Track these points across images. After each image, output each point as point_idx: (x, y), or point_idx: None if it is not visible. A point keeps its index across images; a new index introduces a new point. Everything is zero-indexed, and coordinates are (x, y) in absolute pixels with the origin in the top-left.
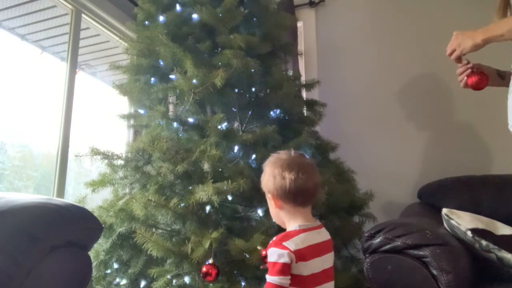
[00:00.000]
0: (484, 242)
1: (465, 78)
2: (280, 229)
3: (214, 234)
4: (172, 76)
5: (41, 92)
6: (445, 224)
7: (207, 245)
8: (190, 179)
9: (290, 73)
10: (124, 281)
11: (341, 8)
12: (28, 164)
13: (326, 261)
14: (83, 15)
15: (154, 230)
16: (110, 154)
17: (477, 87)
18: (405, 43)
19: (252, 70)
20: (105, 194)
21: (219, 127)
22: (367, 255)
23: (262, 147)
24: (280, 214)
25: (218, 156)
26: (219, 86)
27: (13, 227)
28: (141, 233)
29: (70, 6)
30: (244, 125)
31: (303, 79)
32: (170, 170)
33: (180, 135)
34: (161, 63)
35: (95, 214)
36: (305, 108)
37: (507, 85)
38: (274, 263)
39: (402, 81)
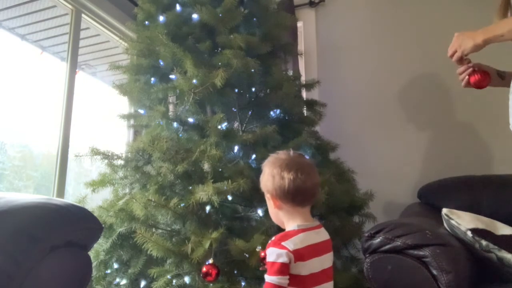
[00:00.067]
0: (484, 242)
1: (467, 77)
2: (280, 229)
3: (214, 234)
4: (172, 76)
5: (41, 92)
6: (445, 224)
7: (207, 245)
8: (190, 179)
9: (290, 73)
10: (124, 281)
11: (341, 8)
12: (28, 164)
13: (325, 261)
14: (83, 15)
15: (154, 230)
16: (110, 154)
17: (479, 85)
18: (405, 43)
19: (252, 70)
20: (105, 194)
21: (219, 127)
22: (367, 255)
23: (262, 147)
24: (279, 214)
25: (218, 156)
26: (219, 86)
27: (13, 227)
28: (141, 233)
29: (70, 6)
30: (244, 125)
31: (303, 79)
32: (170, 170)
33: (180, 135)
34: (161, 63)
35: (95, 214)
36: (305, 108)
37: (507, 85)
38: (273, 263)
39: (402, 81)
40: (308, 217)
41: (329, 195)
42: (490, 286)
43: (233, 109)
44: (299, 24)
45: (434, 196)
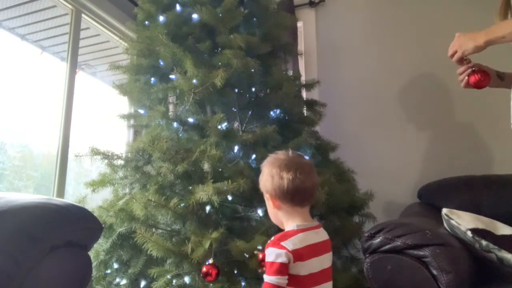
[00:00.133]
0: (484, 242)
1: (466, 78)
2: (280, 229)
3: (214, 234)
4: (172, 76)
5: (41, 92)
6: (445, 224)
7: (207, 245)
8: (190, 179)
9: (290, 73)
10: (124, 281)
11: (341, 8)
12: (28, 164)
13: (324, 261)
14: (83, 15)
15: (154, 230)
16: (110, 154)
17: (480, 85)
18: (405, 43)
19: (252, 70)
20: (105, 194)
21: (219, 127)
22: (367, 255)
23: (262, 147)
24: (278, 214)
25: (218, 156)
26: (219, 86)
27: (13, 227)
28: (141, 233)
29: (70, 6)
30: (244, 125)
31: (303, 79)
32: (170, 170)
33: (180, 135)
34: (161, 63)
35: (95, 214)
36: (305, 108)
37: (506, 86)
38: (272, 263)
39: (402, 81)
40: (307, 217)
41: (329, 195)
42: (490, 286)
43: (233, 109)
44: (299, 24)
45: (434, 196)
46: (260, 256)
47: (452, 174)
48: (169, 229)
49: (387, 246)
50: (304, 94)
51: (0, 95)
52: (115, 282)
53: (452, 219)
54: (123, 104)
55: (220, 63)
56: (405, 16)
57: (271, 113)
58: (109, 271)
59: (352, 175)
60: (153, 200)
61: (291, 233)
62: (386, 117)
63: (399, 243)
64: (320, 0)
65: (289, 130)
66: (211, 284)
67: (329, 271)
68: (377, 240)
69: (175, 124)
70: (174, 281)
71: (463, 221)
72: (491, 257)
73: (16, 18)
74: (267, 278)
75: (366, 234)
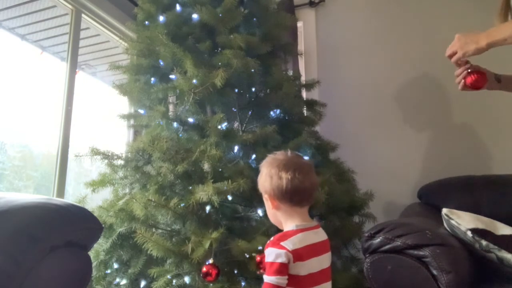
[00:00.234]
0: (484, 242)
1: (463, 81)
2: (279, 229)
3: (214, 234)
4: (172, 76)
5: (41, 92)
6: (445, 224)
7: (207, 245)
8: (190, 179)
9: (290, 73)
10: (124, 281)
11: (341, 8)
12: (28, 164)
13: (324, 261)
14: (83, 15)
15: (154, 230)
16: (110, 154)
17: (476, 86)
18: (405, 43)
19: (252, 70)
20: (105, 194)
21: (219, 127)
22: (367, 255)
23: (262, 147)
24: (277, 215)
25: (218, 156)
26: (219, 86)
27: (13, 227)
28: (141, 233)
29: (70, 6)
30: (244, 125)
31: (303, 79)
32: (170, 170)
33: (180, 135)
34: (161, 63)
35: (95, 214)
36: (305, 108)
37: (504, 89)
38: (272, 263)
39: (402, 81)
40: (306, 217)
41: (329, 195)
42: (490, 286)
43: (233, 109)
44: (299, 24)
45: (434, 196)
46: (258, 258)
47: (452, 174)
48: (169, 229)
49: (387, 246)
50: (304, 94)
51: (0, 95)
52: (115, 282)
53: (452, 219)
54: (123, 104)
55: (220, 63)
56: (405, 16)
57: (271, 113)
58: (109, 271)
59: (352, 175)
60: (153, 200)
61: (290, 233)
62: (386, 117)
63: (399, 243)
64: (320, 0)
65: (289, 130)
66: (211, 284)
67: (328, 271)
68: (377, 240)
69: (175, 124)
70: (174, 281)
71: (463, 221)
72: (491, 257)
73: (16, 18)
74: (267, 278)
75: (366, 234)
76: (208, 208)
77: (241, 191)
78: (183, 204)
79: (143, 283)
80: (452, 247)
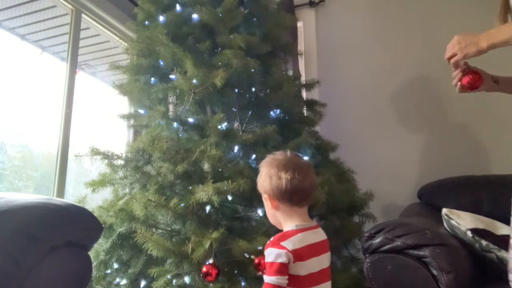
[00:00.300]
0: (484, 242)
1: (459, 83)
2: (279, 230)
3: (214, 234)
4: (172, 76)
5: (41, 92)
6: (445, 224)
7: (207, 245)
8: (190, 179)
9: (290, 73)
10: (124, 281)
11: (341, 8)
12: (28, 164)
13: (323, 261)
14: (83, 15)
15: (154, 230)
16: (110, 154)
17: (473, 85)
18: (405, 43)
19: (252, 70)
20: (105, 194)
21: (219, 127)
22: (367, 255)
23: (262, 147)
24: (277, 215)
25: (218, 156)
26: (219, 86)
27: (13, 227)
28: (141, 233)
29: (70, 6)
30: (244, 125)
31: (303, 79)
32: (170, 170)
33: (180, 135)
34: (161, 63)
35: (95, 214)
36: (305, 108)
37: (502, 90)
38: (272, 263)
39: (402, 81)
40: (305, 217)
41: (329, 195)
42: (490, 286)
43: (233, 109)
44: (299, 24)
45: (434, 196)
46: (256, 260)
47: (452, 174)
48: (169, 229)
49: (387, 246)
50: (304, 94)
51: (0, 95)
52: (115, 282)
53: (452, 219)
54: (123, 104)
55: (220, 63)
56: (405, 16)
57: (271, 113)
58: (109, 271)
59: (352, 175)
60: (153, 200)
61: (290, 233)
62: (386, 117)
63: (399, 243)
64: (320, 0)
65: (289, 130)
66: (211, 284)
67: (328, 271)
68: (377, 240)
69: (175, 124)
70: (174, 281)
71: (463, 221)
72: (491, 257)
73: (16, 18)
74: (267, 278)
75: (366, 234)
76: (208, 208)
77: (241, 191)
78: (183, 204)
79: (143, 283)
80: (452, 247)
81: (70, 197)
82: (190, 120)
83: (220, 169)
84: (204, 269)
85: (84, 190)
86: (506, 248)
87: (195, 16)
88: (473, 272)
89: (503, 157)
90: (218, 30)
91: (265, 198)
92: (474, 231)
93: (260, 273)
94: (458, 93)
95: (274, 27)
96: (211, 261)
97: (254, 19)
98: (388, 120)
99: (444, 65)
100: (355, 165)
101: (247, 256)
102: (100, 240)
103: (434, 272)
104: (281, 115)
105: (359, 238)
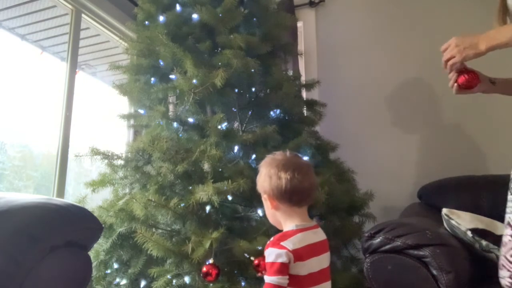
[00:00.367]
0: (484, 242)
1: (455, 85)
2: (279, 230)
3: (215, 234)
4: (172, 76)
5: (41, 92)
6: (445, 224)
7: (207, 245)
8: (190, 179)
9: (290, 73)
10: (124, 281)
11: (341, 8)
12: (28, 164)
13: (323, 260)
14: (83, 15)
15: (154, 230)
16: (110, 154)
17: (469, 85)
18: (405, 43)
19: (252, 70)
20: (105, 194)
21: (219, 127)
22: (367, 255)
23: (262, 147)
24: (276, 215)
25: (218, 156)
26: (219, 86)
27: (13, 227)
28: (141, 233)
29: (70, 6)
30: (244, 125)
31: (303, 79)
32: (170, 170)
33: (180, 135)
34: (161, 63)
35: (95, 214)
36: (305, 108)
37: (499, 91)
38: (272, 263)
39: (403, 81)
40: (305, 217)
41: (329, 195)
42: (490, 286)
43: (233, 109)
44: (299, 24)
45: (434, 196)
46: (256, 261)
47: (452, 174)
48: (169, 229)
49: (387, 246)
50: (304, 94)
51: (0, 95)
52: (115, 282)
53: (452, 219)
54: (123, 104)
55: (220, 63)
56: (405, 16)
57: (271, 113)
58: (109, 271)
59: (352, 175)
60: (153, 200)
61: (290, 233)
62: (386, 117)
63: (399, 243)
64: (320, 0)
65: (289, 130)
66: (211, 284)
67: (328, 270)
68: (377, 240)
69: (175, 124)
70: (174, 281)
71: (463, 221)
72: (491, 257)
73: (16, 18)
74: (268, 278)
75: (366, 234)
76: (208, 208)
77: (241, 191)
78: (183, 204)
79: (143, 283)
80: (452, 247)
81: (70, 197)
82: (190, 120)
83: (220, 169)
84: (204, 269)
85: (84, 190)
86: None
87: (195, 16)
88: (473, 272)
89: (503, 157)
90: (218, 30)
91: (264, 198)
92: (474, 231)
93: (259, 274)
94: (455, 94)
95: (274, 27)
96: (211, 261)
97: (254, 19)
98: (388, 120)
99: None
100: (355, 165)
101: (247, 256)
102: (100, 240)
103: (434, 272)
104: (281, 115)
105: (359, 238)
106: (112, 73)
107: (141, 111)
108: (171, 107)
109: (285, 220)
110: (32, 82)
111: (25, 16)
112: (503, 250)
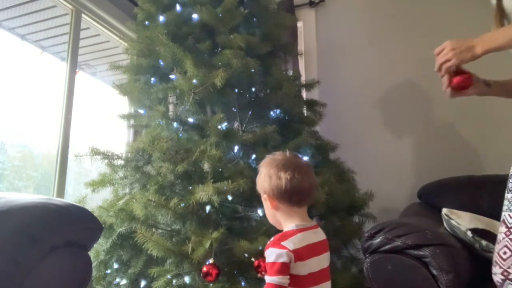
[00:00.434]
0: (484, 242)
1: (449, 89)
2: (279, 230)
3: (215, 234)
4: (172, 76)
5: (41, 92)
6: (445, 224)
7: (207, 245)
8: (190, 179)
9: (290, 73)
10: (124, 281)
11: (341, 8)
12: (28, 164)
13: (323, 260)
14: (83, 15)
15: (154, 230)
16: (110, 154)
17: (463, 85)
18: (405, 43)
19: (252, 70)
20: (105, 194)
21: (219, 127)
22: (367, 255)
23: (262, 147)
24: (276, 215)
25: (218, 156)
26: (219, 86)
27: (13, 227)
28: (141, 233)
29: (70, 6)
30: (244, 125)
31: (303, 79)
32: (170, 170)
33: (180, 135)
34: (161, 63)
35: (95, 214)
36: (305, 108)
37: (494, 94)
38: (273, 263)
39: (403, 81)
40: (305, 217)
41: (329, 195)
42: (490, 286)
43: (233, 109)
44: (299, 24)
45: (434, 196)
46: (256, 262)
47: (452, 174)
48: (169, 229)
49: (387, 246)
50: (304, 94)
51: (0, 95)
52: (115, 282)
53: (452, 219)
54: (123, 104)
55: (220, 63)
56: (405, 16)
57: (271, 113)
58: (109, 271)
59: (352, 175)
60: (153, 200)
61: (290, 233)
62: (386, 117)
63: (399, 243)
64: (320, 0)
65: (289, 130)
66: (211, 284)
67: (328, 270)
68: (377, 240)
69: (175, 124)
70: (174, 281)
71: (463, 221)
72: (491, 257)
73: (16, 18)
74: (268, 278)
75: (366, 234)
76: (208, 208)
77: (241, 191)
78: (183, 204)
79: (143, 283)
80: (452, 247)
81: (70, 197)
82: (190, 120)
83: (220, 169)
84: (204, 269)
85: (84, 190)
86: None
87: (195, 16)
88: (473, 272)
89: (503, 157)
90: (218, 30)
91: (264, 198)
92: (474, 231)
93: (260, 275)
94: (449, 97)
95: (274, 27)
96: (211, 261)
97: (254, 19)
98: (388, 120)
99: None
100: (355, 165)
101: (247, 256)
102: (100, 240)
103: (434, 272)
104: (281, 115)
105: (359, 238)
106: (112, 73)
107: (141, 111)
108: (171, 107)
109: (285, 220)
110: (32, 82)
111: (25, 16)
112: (497, 247)
